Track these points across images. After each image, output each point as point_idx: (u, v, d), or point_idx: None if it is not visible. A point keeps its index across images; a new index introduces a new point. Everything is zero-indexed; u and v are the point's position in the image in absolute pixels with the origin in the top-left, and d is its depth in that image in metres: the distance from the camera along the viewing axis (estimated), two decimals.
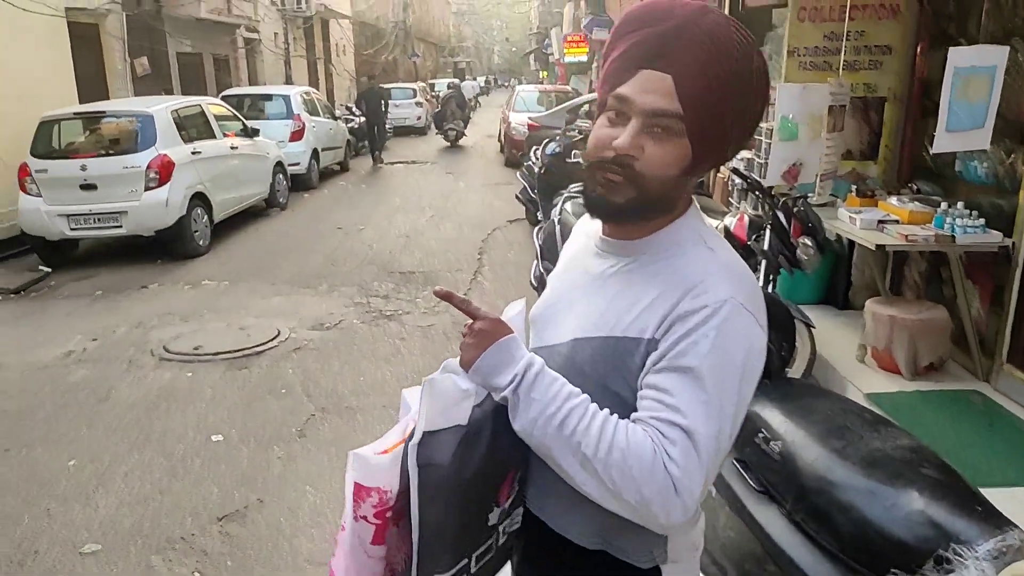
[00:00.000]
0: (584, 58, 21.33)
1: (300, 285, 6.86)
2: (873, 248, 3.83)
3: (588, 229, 1.24)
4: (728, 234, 4.36)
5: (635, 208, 1.04)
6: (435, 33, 45.72)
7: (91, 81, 10.50)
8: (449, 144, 18.45)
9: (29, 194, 7.50)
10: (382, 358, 5.05)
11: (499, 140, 17.33)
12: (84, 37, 10.69)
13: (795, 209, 4.09)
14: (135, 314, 6.07)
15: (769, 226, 4.06)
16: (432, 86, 29.70)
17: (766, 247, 4.02)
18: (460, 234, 8.96)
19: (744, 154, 6.04)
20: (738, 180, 5.99)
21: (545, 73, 36.76)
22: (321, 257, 7.91)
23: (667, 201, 1.07)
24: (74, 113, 8.20)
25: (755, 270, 4.20)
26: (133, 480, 3.55)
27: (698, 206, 1.14)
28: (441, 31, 49.18)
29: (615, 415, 0.99)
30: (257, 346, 5.16)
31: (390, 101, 17.11)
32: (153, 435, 3.99)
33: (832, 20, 4.49)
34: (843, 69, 4.52)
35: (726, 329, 0.97)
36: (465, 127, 18.83)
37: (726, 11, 7.53)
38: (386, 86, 19.77)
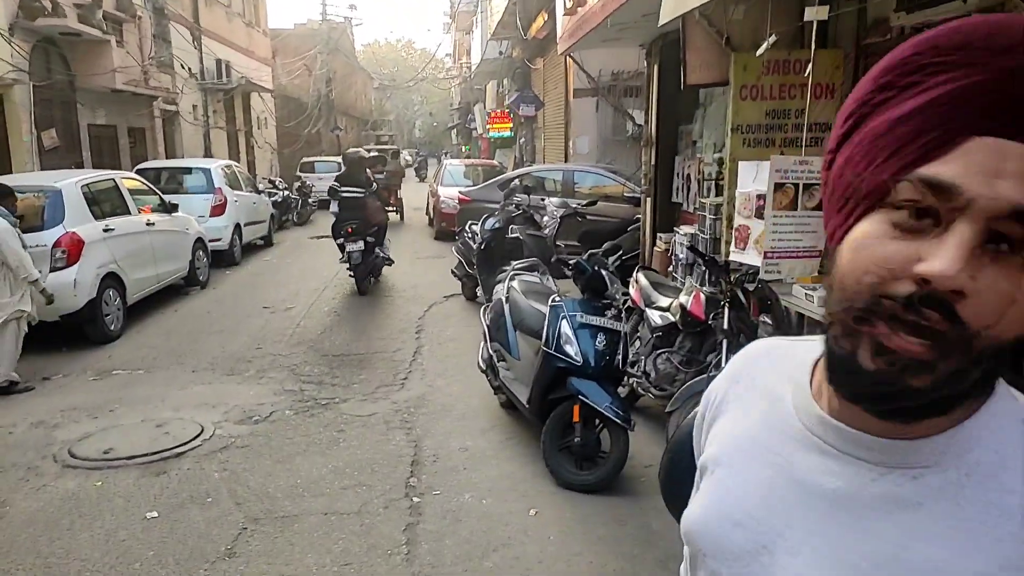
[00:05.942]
0: (508, 133, 21.72)
1: (224, 371, 6.36)
2: None
3: (768, 383, 0.75)
4: (684, 312, 4.26)
5: (948, 396, 0.58)
6: (358, 107, 45.95)
7: None
8: (420, 180, 32.31)
9: None
10: (319, 453, 4.63)
11: (427, 213, 17.27)
12: None
13: (753, 287, 4.03)
14: (35, 411, 5.42)
15: (727, 304, 3.98)
16: None
17: (726, 326, 3.92)
18: (395, 310, 8.64)
19: (687, 229, 6.06)
20: (683, 255, 6.01)
21: (468, 148, 37.31)
22: (247, 339, 7.42)
23: (995, 376, 0.62)
24: None
25: (715, 349, 4.08)
26: None
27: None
28: (363, 105, 49.46)
29: None
30: (178, 446, 4.63)
31: (313, 174, 20.21)
32: (53, 560, 3.44)
33: (772, 99, 4.57)
34: (785, 145, 4.58)
35: None
36: (427, 173, 32.39)
37: (656, 91, 7.81)
38: (310, 159, 21.24)
